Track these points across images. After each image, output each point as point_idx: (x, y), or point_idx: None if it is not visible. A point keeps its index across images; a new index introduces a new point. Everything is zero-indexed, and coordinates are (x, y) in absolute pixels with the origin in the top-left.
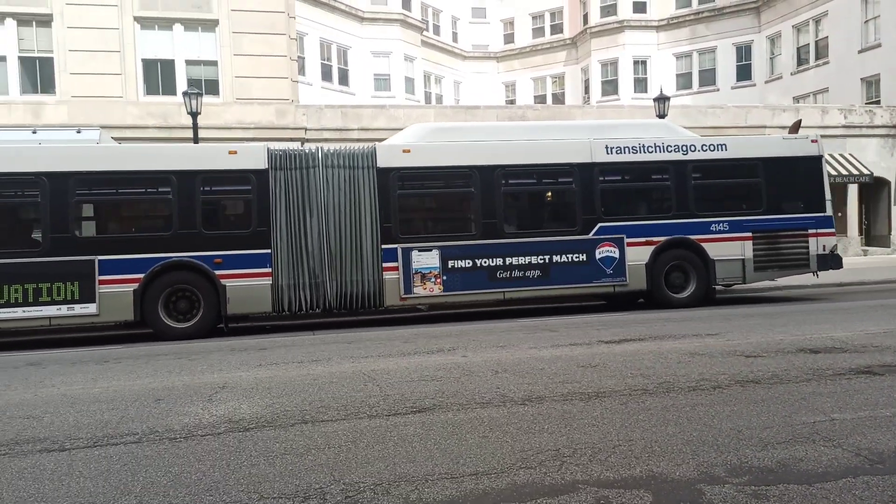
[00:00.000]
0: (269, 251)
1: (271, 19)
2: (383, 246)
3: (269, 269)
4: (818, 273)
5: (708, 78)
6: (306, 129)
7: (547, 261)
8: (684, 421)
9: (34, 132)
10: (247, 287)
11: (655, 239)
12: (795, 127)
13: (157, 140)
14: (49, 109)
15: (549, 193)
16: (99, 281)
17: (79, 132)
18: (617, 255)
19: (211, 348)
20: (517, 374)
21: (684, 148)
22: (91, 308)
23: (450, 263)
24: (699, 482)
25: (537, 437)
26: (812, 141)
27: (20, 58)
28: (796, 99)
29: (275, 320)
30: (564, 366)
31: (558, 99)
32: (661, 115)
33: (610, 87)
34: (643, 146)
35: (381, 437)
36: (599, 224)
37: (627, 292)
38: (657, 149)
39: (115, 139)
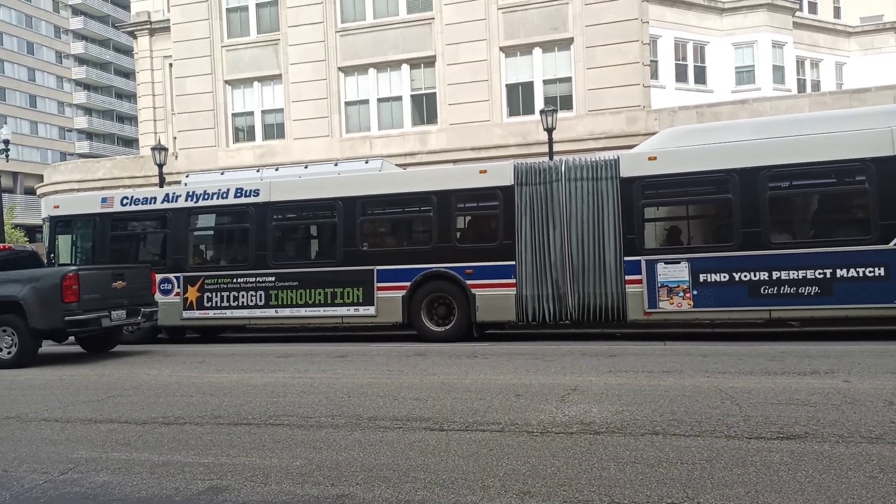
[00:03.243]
0: (513, 263)
1: (623, 28)
2: (626, 258)
3: (513, 280)
4: None
5: None
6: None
7: (828, 275)
8: None
9: (335, 164)
10: (493, 296)
11: None
12: None
13: (518, 157)
14: (432, 137)
15: (831, 196)
16: (377, 287)
17: (366, 163)
18: None
19: (563, 351)
20: None
21: None
22: (371, 310)
23: (701, 277)
24: None
25: None
26: None
27: (411, 96)
28: None
29: (521, 329)
30: None
31: None
32: None
33: None
34: None
35: (741, 461)
36: None
37: None
38: None
39: (482, 158)
